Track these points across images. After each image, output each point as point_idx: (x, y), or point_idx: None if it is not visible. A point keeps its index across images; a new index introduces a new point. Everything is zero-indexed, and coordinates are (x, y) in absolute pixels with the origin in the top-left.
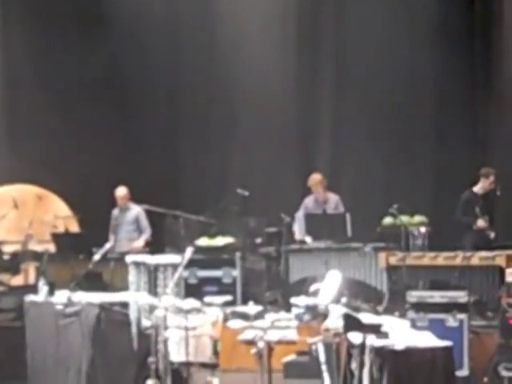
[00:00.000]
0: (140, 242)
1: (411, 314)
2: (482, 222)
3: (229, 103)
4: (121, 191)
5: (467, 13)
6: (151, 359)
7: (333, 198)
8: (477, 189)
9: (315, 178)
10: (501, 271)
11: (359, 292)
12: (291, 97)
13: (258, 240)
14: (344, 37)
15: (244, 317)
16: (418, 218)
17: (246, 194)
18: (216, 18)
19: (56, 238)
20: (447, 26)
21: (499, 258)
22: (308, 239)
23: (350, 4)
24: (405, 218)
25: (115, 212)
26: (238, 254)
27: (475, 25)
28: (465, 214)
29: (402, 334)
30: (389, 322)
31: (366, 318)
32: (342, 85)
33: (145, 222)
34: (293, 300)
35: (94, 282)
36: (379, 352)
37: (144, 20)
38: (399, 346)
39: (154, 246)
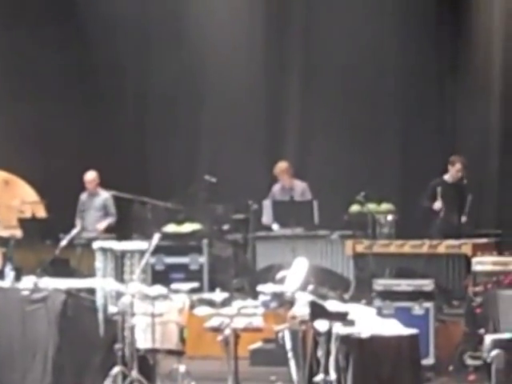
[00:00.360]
0: (103, 225)
1: (377, 301)
2: (438, 203)
3: (196, 90)
4: (90, 175)
5: (434, 5)
6: (118, 346)
7: (300, 186)
8: (447, 177)
9: (281, 166)
10: (467, 260)
11: (326, 280)
12: (258, 84)
13: (225, 227)
14: (312, 26)
15: (211, 304)
16: (385, 206)
17: (214, 180)
18: (185, 6)
19: (23, 223)
20: (413, 10)
21: (465, 246)
22: (275, 226)
23: None
24: (372, 206)
25: (83, 197)
26: (205, 241)
27: (442, 8)
28: (430, 200)
29: (368, 321)
30: (355, 310)
31: (333, 305)
32: (309, 73)
33: (112, 208)
34: (259, 287)
35: (60, 267)
36: (345, 340)
37: (113, 8)
38: (365, 333)
39: (121, 233)
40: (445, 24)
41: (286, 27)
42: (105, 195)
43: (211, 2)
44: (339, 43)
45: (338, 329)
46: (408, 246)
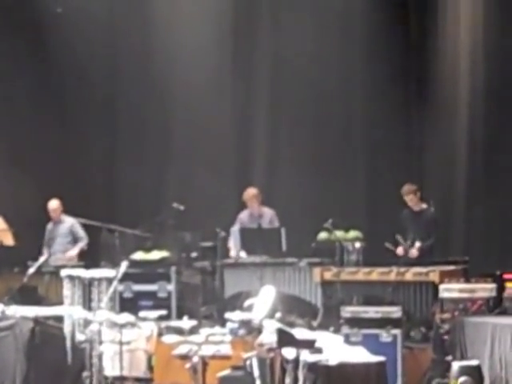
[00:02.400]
0: (75, 250)
1: (345, 329)
2: (400, 250)
3: (165, 117)
4: (52, 204)
5: (401, 26)
6: (85, 373)
7: (268, 213)
8: (411, 206)
9: (250, 192)
10: (434, 287)
11: (294, 307)
12: (227, 111)
13: (194, 254)
14: (279, 51)
15: (179, 331)
16: (352, 233)
17: (182, 208)
18: (154, 33)
19: None
20: (381, 40)
21: (433, 273)
22: (243, 254)
23: (284, 20)
24: (339, 233)
25: (49, 226)
26: (173, 268)
27: (410, 39)
28: (403, 233)
29: (336, 349)
30: (323, 338)
31: (300, 333)
32: (278, 100)
33: (80, 232)
34: (228, 315)
35: (28, 295)
36: (313, 367)
37: (83, 34)
38: (333, 361)
39: (89, 260)
40: (413, 49)
41: (255, 55)
42: (70, 221)
43: (180, 31)
44: (307, 72)
45: (306, 356)
46: (376, 274)
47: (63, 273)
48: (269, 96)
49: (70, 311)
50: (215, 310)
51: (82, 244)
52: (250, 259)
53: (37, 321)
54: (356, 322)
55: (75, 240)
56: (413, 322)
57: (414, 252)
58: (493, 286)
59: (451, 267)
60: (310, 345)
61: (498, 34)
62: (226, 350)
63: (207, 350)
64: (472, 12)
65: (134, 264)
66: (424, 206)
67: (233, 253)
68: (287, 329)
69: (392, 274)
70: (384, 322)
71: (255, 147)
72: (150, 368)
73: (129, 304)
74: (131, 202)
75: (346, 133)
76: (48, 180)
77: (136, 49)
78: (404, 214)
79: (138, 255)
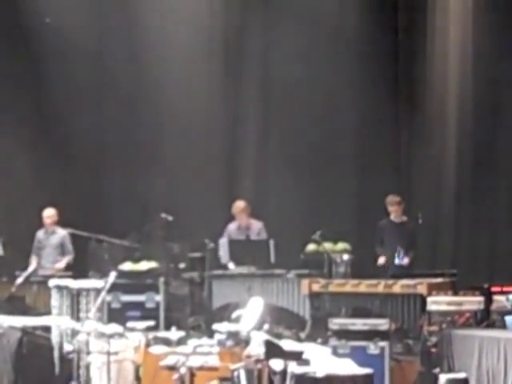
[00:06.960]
0: (61, 264)
1: (333, 341)
2: (382, 259)
3: (153, 127)
4: (49, 211)
5: (392, 44)
6: None
7: (256, 225)
8: (393, 217)
9: (238, 205)
10: (422, 299)
11: (282, 318)
12: (216, 122)
13: (182, 265)
14: (269, 63)
15: (166, 342)
16: (341, 245)
17: (170, 218)
18: (142, 44)
19: None
20: (372, 56)
21: (421, 286)
22: (231, 265)
23: (275, 33)
24: (328, 245)
25: (40, 234)
26: (161, 279)
27: (399, 56)
28: (381, 243)
29: (324, 361)
30: (310, 349)
31: (288, 344)
32: (267, 111)
33: (69, 246)
34: (215, 326)
35: (16, 305)
36: (300, 379)
37: (70, 41)
38: (320, 373)
39: (77, 270)
40: (403, 68)
41: (245, 68)
42: (62, 233)
43: (170, 43)
44: (297, 85)
45: (293, 368)
46: (364, 286)
47: (51, 283)
48: (258, 108)
49: (57, 321)
50: (203, 321)
51: (69, 258)
52: (238, 270)
53: (24, 331)
54: (344, 334)
55: (63, 253)
56: (400, 334)
57: (405, 260)
58: (480, 298)
59: (439, 280)
60: (297, 356)
61: (488, 51)
62: (213, 361)
63: (195, 361)
64: (461, 38)
65: (122, 274)
66: (405, 218)
67: (223, 260)
68: (275, 340)
69: (380, 286)
70: (372, 334)
71: (244, 159)
72: (138, 379)
73: (117, 314)
74: (120, 213)
75: (335, 145)
76: (37, 190)
77: (125, 60)
78: (383, 224)
79: (127, 266)
